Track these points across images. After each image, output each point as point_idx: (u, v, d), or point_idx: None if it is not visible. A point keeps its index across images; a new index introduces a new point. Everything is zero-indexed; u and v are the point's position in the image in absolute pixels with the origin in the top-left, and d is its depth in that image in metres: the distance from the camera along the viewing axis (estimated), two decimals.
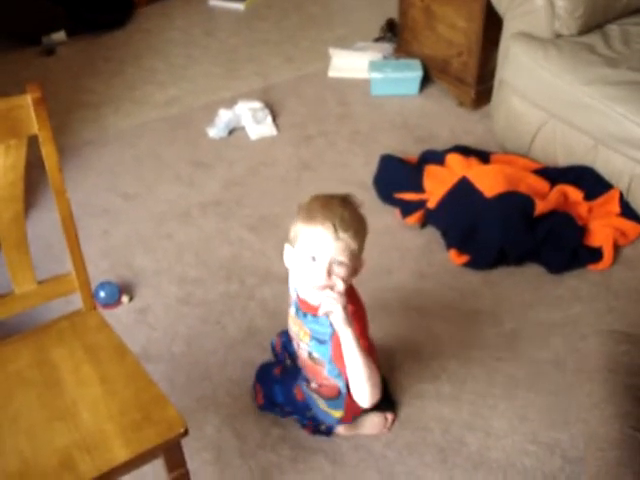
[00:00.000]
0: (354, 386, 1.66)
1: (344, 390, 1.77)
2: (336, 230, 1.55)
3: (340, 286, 1.58)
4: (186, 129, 3.33)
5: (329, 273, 1.57)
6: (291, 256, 1.66)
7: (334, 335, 1.66)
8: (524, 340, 2.27)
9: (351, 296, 1.68)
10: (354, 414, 1.93)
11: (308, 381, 1.89)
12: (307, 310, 1.73)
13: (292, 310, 1.80)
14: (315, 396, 1.91)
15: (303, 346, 1.80)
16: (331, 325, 1.65)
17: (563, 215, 2.56)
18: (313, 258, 1.58)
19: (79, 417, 1.44)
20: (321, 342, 1.73)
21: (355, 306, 1.68)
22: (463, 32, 3.25)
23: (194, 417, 2.01)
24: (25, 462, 1.37)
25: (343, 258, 1.57)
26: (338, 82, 3.65)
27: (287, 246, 1.68)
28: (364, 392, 1.65)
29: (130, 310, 2.40)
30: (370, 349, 1.70)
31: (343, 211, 1.58)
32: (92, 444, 1.39)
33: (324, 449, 1.97)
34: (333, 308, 1.57)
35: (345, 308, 1.58)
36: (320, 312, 1.61)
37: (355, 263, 1.62)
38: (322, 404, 1.91)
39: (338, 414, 1.90)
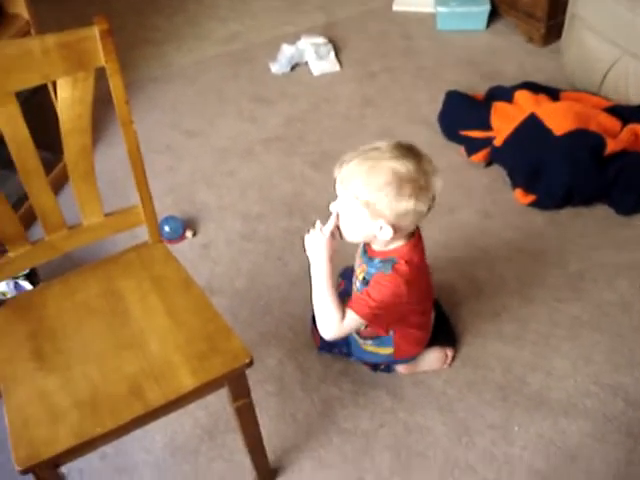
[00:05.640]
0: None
1: None
2: (340, 174, 1.59)
3: (326, 229, 1.64)
4: (248, 65, 3.31)
5: (338, 215, 1.64)
6: None
7: (371, 278, 1.68)
8: (589, 281, 2.23)
9: (395, 269, 1.65)
10: (409, 353, 1.94)
11: None
12: (367, 249, 1.75)
13: (360, 246, 1.81)
14: (361, 341, 1.92)
15: (356, 282, 1.82)
16: (375, 270, 1.67)
17: (634, 155, 2.47)
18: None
19: (147, 346, 1.47)
20: (365, 283, 1.73)
21: (388, 280, 1.64)
22: None
23: (257, 350, 2.03)
24: (95, 388, 1.41)
25: (345, 204, 1.60)
26: (403, 16, 3.58)
27: None
28: (318, 321, 1.71)
29: (194, 245, 2.43)
30: (373, 316, 1.67)
31: (358, 165, 1.56)
32: (159, 372, 1.42)
33: (385, 384, 1.99)
34: (309, 239, 1.66)
35: (323, 249, 1.64)
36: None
37: (365, 217, 1.59)
38: (369, 346, 1.91)
39: (387, 351, 1.91)
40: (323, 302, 1.67)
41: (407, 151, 1.56)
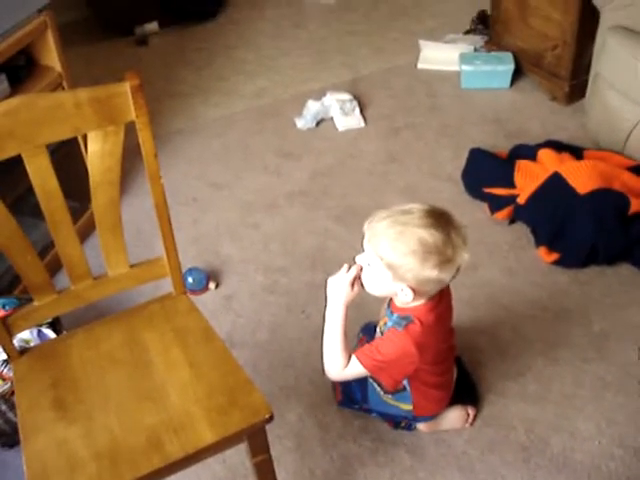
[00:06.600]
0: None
1: (405, 382, 1.81)
2: (369, 231, 1.60)
3: (348, 275, 1.65)
4: (274, 120, 3.36)
5: (361, 267, 1.65)
6: None
7: (385, 332, 1.70)
8: (614, 342, 2.21)
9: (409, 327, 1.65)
10: (429, 411, 1.92)
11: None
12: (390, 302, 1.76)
13: (387, 299, 1.82)
14: (382, 393, 1.90)
15: (377, 333, 1.83)
16: (392, 324, 1.68)
17: None
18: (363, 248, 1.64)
19: (167, 398, 1.47)
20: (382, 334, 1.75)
21: (397, 337, 1.65)
22: (558, 25, 3.17)
23: (276, 404, 2.00)
24: (114, 440, 1.40)
25: (369, 260, 1.61)
26: (428, 74, 3.62)
27: None
28: (324, 359, 1.75)
29: (216, 296, 2.44)
30: (377, 369, 1.69)
31: (387, 227, 1.57)
32: (179, 425, 1.41)
33: (405, 442, 1.96)
34: (331, 281, 1.68)
35: (342, 295, 1.66)
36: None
37: (387, 278, 1.59)
38: (390, 399, 1.90)
39: (407, 407, 1.89)
40: (331, 344, 1.71)
41: (438, 219, 1.55)
